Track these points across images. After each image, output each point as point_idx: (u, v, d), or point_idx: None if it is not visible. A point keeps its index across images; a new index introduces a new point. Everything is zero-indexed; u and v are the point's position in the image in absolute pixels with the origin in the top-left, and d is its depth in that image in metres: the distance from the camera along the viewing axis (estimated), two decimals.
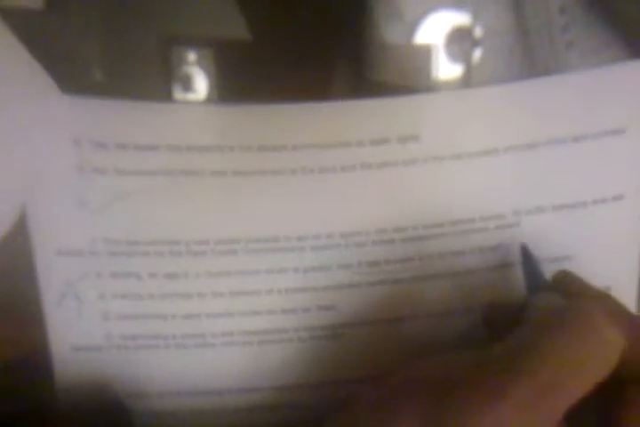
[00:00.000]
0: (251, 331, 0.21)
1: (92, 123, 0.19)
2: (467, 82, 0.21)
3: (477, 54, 0.21)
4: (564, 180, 0.21)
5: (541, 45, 0.22)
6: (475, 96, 0.21)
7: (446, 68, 0.21)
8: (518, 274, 0.22)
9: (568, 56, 0.22)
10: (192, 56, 0.20)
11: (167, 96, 0.20)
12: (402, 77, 0.21)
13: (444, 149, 0.21)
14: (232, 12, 0.20)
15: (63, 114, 0.19)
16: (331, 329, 0.22)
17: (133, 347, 0.21)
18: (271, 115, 0.20)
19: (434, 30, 0.20)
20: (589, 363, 0.15)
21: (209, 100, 0.20)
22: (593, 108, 0.21)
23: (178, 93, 0.20)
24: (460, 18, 0.21)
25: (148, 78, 0.20)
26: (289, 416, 0.22)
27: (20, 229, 0.19)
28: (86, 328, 0.21)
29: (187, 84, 0.20)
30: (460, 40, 0.21)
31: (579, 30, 0.22)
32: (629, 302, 0.22)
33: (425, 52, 0.21)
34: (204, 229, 0.20)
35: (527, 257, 0.21)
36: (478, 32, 0.21)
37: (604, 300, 0.18)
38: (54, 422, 0.21)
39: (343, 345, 0.22)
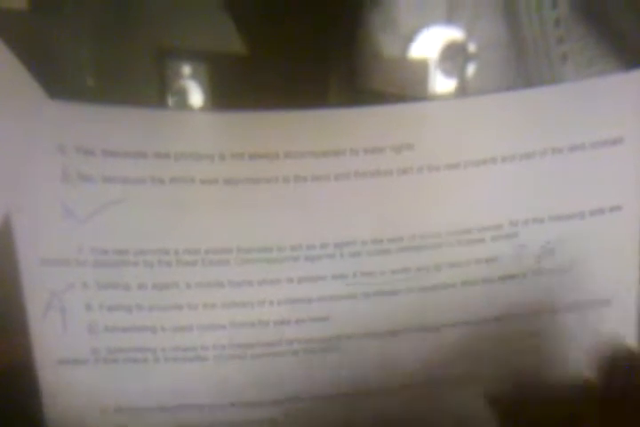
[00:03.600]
0: (243, 343, 0.20)
1: (77, 129, 0.18)
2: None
3: (471, 69, 0.20)
4: (561, 190, 0.21)
5: (537, 58, 0.21)
6: (470, 105, 0.20)
7: (440, 83, 0.20)
8: (515, 287, 0.21)
9: (563, 68, 0.21)
10: (187, 70, 0.19)
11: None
12: (396, 91, 0.20)
13: (439, 158, 0.20)
14: (227, 25, 0.19)
15: (48, 119, 0.18)
16: (325, 341, 0.21)
17: (121, 360, 0.20)
18: (263, 122, 0.19)
19: (428, 45, 0.20)
20: None
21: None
22: (590, 118, 0.20)
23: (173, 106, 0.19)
24: (453, 33, 0.20)
25: (142, 90, 0.19)
26: None
27: (5, 238, 0.18)
28: (72, 341, 0.20)
29: (181, 98, 0.19)
30: (453, 55, 0.20)
31: (573, 42, 0.21)
32: (629, 315, 0.21)
33: (419, 67, 0.20)
34: (195, 238, 0.19)
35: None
36: (472, 47, 0.20)
37: None
38: None
39: (337, 358, 0.21)
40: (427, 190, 0.20)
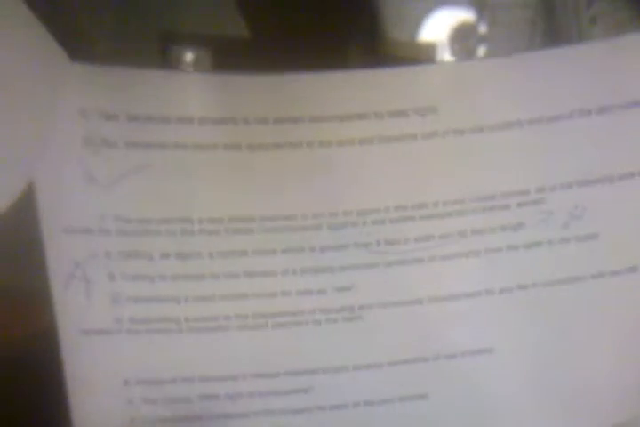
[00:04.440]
0: (265, 313, 0.20)
1: (100, 93, 0.18)
2: None
3: (482, 51, 0.20)
4: (589, 153, 0.20)
5: (565, 20, 0.21)
6: (496, 66, 0.19)
7: None
8: (541, 254, 0.21)
9: (592, 30, 0.21)
10: (189, 56, 0.19)
11: None
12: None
13: (464, 121, 0.19)
14: (231, 11, 0.19)
15: (70, 82, 0.17)
16: (348, 311, 0.20)
17: (144, 331, 0.20)
18: (288, 85, 0.18)
19: (438, 28, 0.20)
20: None
21: None
22: (618, 79, 0.20)
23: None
24: (464, 14, 0.20)
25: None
26: (304, 402, 0.21)
27: (28, 205, 0.18)
28: (95, 311, 0.19)
29: None
30: (464, 37, 0.20)
31: (603, 5, 0.21)
32: None
33: (429, 50, 0.20)
34: (218, 206, 0.19)
35: None
36: (483, 28, 0.20)
37: None
38: (63, 409, 0.20)
39: (360, 328, 0.21)
40: (451, 155, 0.20)
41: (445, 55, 0.20)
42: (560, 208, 0.20)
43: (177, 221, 0.19)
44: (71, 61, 0.17)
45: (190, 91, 0.18)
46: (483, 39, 0.20)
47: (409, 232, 0.20)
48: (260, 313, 0.20)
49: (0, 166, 0.16)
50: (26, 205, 0.18)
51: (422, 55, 0.20)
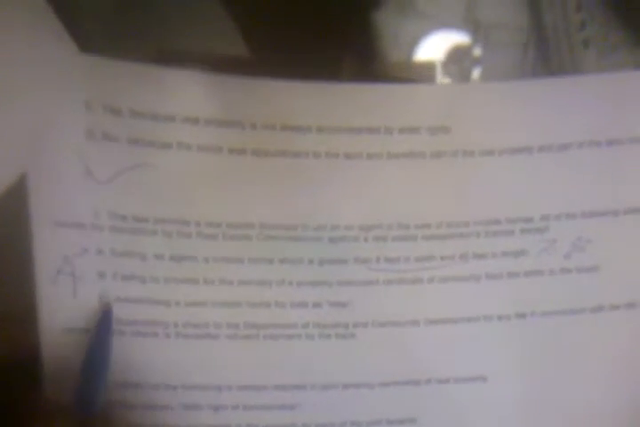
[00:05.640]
0: (257, 323, 0.19)
1: (107, 86, 0.17)
2: None
3: (476, 73, 0.20)
4: (596, 185, 0.19)
5: (557, 43, 0.20)
6: (513, 89, 0.19)
7: None
8: (541, 283, 0.20)
9: (585, 54, 0.20)
10: None
11: None
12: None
13: (475, 143, 0.19)
14: (228, 30, 0.18)
15: (77, 73, 0.16)
16: (341, 328, 0.19)
17: (130, 333, 0.19)
18: (299, 93, 0.17)
19: (433, 50, 0.19)
20: None
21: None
22: (629, 112, 0.19)
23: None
24: (458, 37, 0.19)
25: None
26: (289, 419, 0.20)
27: (19, 195, 0.17)
28: (81, 309, 0.18)
29: None
30: (459, 59, 0.19)
31: (595, 28, 0.20)
32: None
33: (424, 72, 0.19)
34: (217, 210, 0.18)
35: None
36: (477, 51, 0.20)
37: None
38: (39, 406, 0.18)
39: (353, 346, 0.19)
40: (459, 176, 0.19)
41: (440, 77, 0.20)
42: (563, 238, 0.20)
43: (174, 223, 0.18)
44: (79, 52, 0.16)
45: (199, 91, 0.17)
46: (477, 61, 0.20)
47: (410, 251, 0.19)
48: (251, 323, 0.19)
49: None
50: (14, 192, 0.17)
51: (418, 77, 0.20)
